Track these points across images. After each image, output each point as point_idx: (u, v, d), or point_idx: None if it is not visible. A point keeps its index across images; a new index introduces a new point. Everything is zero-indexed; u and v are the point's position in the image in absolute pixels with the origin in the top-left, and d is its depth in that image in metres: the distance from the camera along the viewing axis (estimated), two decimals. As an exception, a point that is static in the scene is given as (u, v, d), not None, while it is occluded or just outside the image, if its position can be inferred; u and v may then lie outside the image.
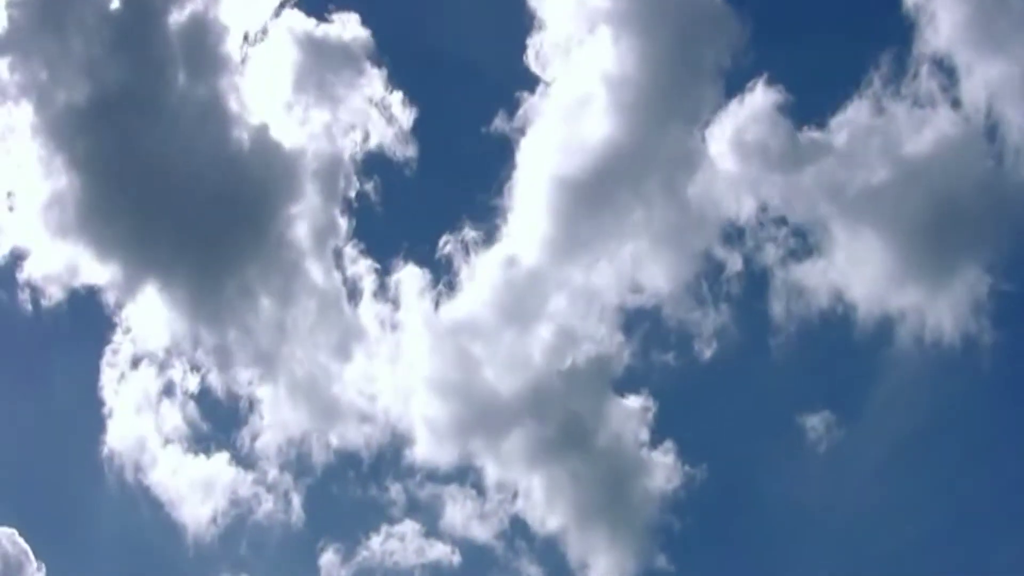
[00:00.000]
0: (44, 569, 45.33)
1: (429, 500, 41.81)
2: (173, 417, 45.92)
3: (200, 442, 45.40)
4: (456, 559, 43.41)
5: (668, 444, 35.48)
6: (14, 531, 50.71)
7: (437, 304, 41.06)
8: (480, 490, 41.47)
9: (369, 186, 41.01)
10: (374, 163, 40.22)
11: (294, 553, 44.65)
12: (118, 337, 44.97)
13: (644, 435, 37.34)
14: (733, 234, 35.58)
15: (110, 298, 43.65)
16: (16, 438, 48.69)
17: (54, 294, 43.18)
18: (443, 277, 40.78)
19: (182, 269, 41.15)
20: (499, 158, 38.32)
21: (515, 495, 40.63)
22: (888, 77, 34.36)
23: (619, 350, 36.57)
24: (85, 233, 40.00)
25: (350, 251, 42.25)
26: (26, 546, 49.12)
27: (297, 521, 45.45)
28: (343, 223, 41.95)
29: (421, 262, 40.17)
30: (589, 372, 36.42)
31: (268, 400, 43.12)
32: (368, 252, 40.86)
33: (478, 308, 38.74)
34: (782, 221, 35.07)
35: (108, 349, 44.56)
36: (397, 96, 38.96)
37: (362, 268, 42.52)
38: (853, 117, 34.61)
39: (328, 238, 41.04)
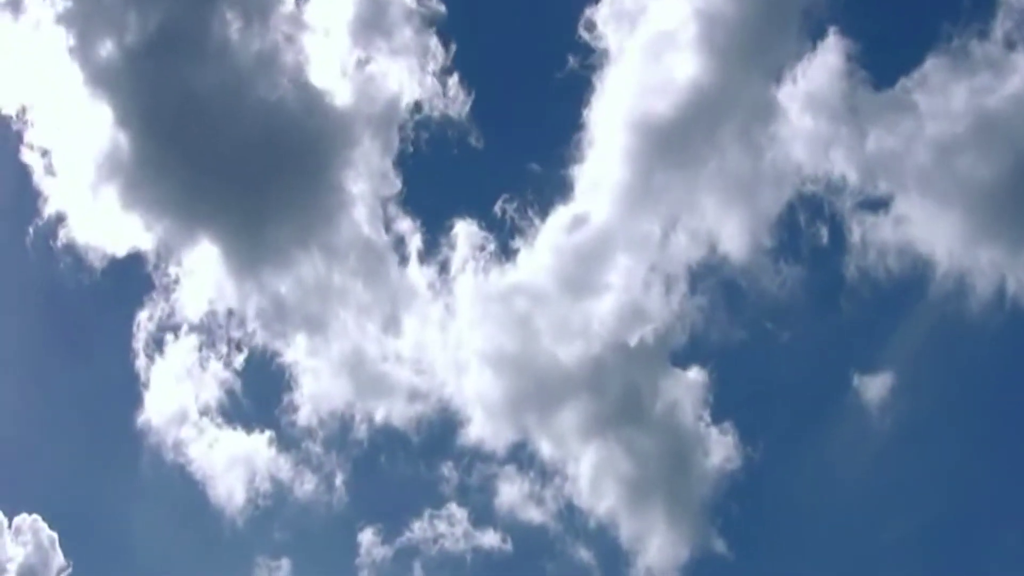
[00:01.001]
0: (72, 559, 45.73)
1: (479, 481, 41.37)
2: (213, 389, 45.90)
3: (240, 416, 45.31)
4: (507, 545, 42.99)
5: (729, 421, 34.92)
6: (37, 517, 51.16)
7: (493, 268, 40.34)
8: (533, 470, 41.06)
9: (425, 140, 40.09)
10: (430, 115, 39.27)
11: (333, 534, 44.52)
12: (160, 304, 45.10)
13: (704, 410, 36.84)
14: (807, 190, 34.95)
15: (153, 263, 43.72)
16: (53, 410, 48.96)
17: (95, 259, 43.27)
18: (501, 239, 39.79)
19: (229, 228, 40.73)
20: (569, 106, 37.08)
21: (568, 476, 40.25)
22: (967, 30, 33.56)
23: (683, 317, 35.88)
24: (133, 193, 40.01)
25: (403, 210, 41.28)
26: (52, 533, 49.49)
27: (338, 501, 45.24)
28: (396, 180, 41.07)
29: (478, 223, 39.07)
30: (651, 342, 35.77)
31: (312, 372, 42.89)
32: (423, 211, 39.65)
33: (537, 273, 38.12)
34: (857, 177, 34.16)
35: (148, 316, 44.65)
36: (455, 44, 37.86)
37: (415, 229, 41.38)
38: (931, 70, 33.84)
39: (381, 196, 40.33)
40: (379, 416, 40.13)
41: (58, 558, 54.80)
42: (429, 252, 39.01)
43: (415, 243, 39.40)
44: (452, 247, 38.22)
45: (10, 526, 54.38)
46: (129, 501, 46.37)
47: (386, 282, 39.08)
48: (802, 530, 34.24)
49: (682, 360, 36.73)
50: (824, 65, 34.65)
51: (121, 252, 40.56)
